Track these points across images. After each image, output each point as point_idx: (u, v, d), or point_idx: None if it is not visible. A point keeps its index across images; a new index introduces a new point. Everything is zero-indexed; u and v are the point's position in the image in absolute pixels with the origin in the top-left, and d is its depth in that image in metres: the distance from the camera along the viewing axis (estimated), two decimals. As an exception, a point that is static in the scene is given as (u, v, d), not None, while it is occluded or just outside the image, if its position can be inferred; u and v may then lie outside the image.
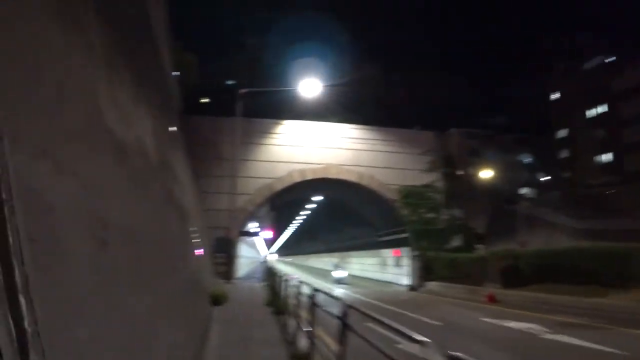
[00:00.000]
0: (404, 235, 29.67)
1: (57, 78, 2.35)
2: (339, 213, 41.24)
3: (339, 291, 25.86)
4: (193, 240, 14.67)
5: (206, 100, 30.31)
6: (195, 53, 23.16)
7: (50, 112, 2.19)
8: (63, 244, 2.00)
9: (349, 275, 44.47)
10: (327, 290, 7.72)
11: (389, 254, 35.13)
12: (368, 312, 3.93)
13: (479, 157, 31.58)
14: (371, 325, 4.07)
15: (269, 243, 38.79)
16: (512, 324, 12.95)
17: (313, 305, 6.70)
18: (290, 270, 50.43)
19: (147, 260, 3.97)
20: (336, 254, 56.39)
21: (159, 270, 4.56)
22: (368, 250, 40.56)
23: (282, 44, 31.72)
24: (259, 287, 21.98)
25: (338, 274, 35.79)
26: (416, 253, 28.38)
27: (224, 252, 24.27)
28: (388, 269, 35.70)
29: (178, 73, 18.49)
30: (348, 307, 4.54)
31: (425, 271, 27.76)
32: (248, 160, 26.96)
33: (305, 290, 8.31)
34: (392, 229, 31.77)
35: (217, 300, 13.14)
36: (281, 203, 34.15)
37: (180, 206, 11.43)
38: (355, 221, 38.66)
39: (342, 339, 4.48)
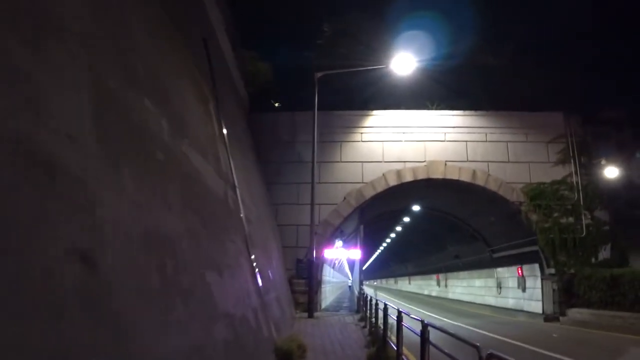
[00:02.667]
0: (530, 248, 23.34)
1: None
2: (438, 227, 35.08)
3: (447, 322, 20.34)
4: (255, 266, 9.72)
5: (277, 101, 25.74)
6: (268, 56, 22.77)
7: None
8: None
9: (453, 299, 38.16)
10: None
11: (507, 273, 28.58)
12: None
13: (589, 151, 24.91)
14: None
15: (358, 264, 33.57)
16: None
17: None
18: (383, 295, 44.73)
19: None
20: (433, 275, 50.33)
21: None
22: (477, 269, 34.09)
23: (369, 21, 26.36)
24: (351, 323, 16.51)
25: None
26: (551, 271, 21.88)
27: (304, 277, 19.07)
28: (507, 292, 29.07)
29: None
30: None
31: (565, 294, 21.25)
32: (331, 161, 21.78)
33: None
34: (512, 242, 25.52)
35: (287, 359, 8.07)
36: (372, 216, 28.71)
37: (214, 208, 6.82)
38: (460, 236, 32.42)
39: None
